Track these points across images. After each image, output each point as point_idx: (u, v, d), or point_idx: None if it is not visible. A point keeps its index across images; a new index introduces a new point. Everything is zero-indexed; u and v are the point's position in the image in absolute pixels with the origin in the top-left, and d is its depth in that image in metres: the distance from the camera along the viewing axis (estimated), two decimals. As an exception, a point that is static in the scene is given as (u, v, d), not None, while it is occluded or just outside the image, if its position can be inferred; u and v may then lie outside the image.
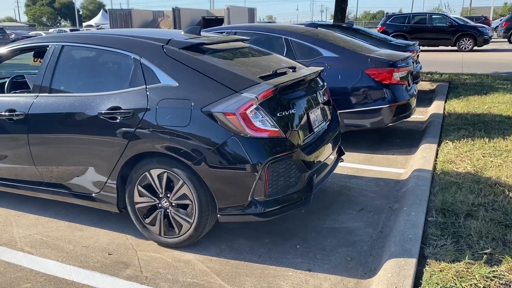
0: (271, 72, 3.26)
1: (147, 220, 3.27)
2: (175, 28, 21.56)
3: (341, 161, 4.11)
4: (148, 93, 3.13)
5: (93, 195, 3.41)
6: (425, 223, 3.29)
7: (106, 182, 3.31)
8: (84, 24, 60.63)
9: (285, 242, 3.32)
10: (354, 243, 3.30)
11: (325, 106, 3.86)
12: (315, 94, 3.56)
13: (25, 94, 3.65)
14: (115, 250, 3.24)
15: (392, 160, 5.21)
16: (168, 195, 3.16)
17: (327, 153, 3.62)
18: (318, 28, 6.49)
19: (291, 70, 3.49)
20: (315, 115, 3.54)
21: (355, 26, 9.43)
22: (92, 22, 54.11)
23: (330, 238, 3.38)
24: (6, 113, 3.60)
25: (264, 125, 2.96)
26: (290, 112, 3.12)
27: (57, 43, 3.59)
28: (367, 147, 5.71)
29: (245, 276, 2.90)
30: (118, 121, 3.16)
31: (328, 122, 3.89)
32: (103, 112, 3.20)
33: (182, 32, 3.74)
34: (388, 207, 3.90)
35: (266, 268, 3.00)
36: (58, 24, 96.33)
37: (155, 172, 3.14)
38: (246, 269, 2.99)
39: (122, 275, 2.92)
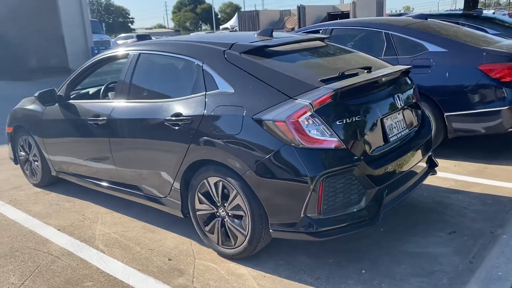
0: (338, 74, 2.93)
1: (207, 228, 3.21)
2: (299, 26, 21.55)
3: (432, 174, 3.56)
4: (206, 99, 3.05)
5: (161, 198, 3.47)
6: (526, 259, 2.65)
7: (171, 187, 3.33)
8: (220, 27, 64.53)
9: (350, 265, 2.97)
10: (432, 273, 2.80)
11: (411, 111, 3.37)
12: (395, 97, 3.11)
13: (109, 100, 3.88)
14: (176, 255, 3.25)
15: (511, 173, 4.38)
16: (225, 204, 3.05)
17: (409, 165, 3.15)
18: (428, 20, 5.77)
19: (365, 71, 3.10)
20: (394, 121, 3.10)
21: (486, 14, 8.25)
22: (227, 24, 57.30)
23: (404, 264, 2.93)
24: (93, 118, 3.86)
25: (320, 135, 2.66)
26: (355, 120, 2.76)
27: (135, 51, 3.73)
28: (483, 156, 4.90)
29: (294, 300, 2.65)
30: (179, 128, 3.15)
31: (415, 129, 3.38)
32: (167, 118, 3.22)
33: (256, 35, 3.59)
34: (489, 231, 3.25)
35: (320, 293, 2.70)
36: (199, 28, 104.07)
37: (212, 180, 3.06)
38: (298, 291, 2.73)
39: (173, 283, 2.90)
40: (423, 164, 3.44)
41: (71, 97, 4.41)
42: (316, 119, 2.66)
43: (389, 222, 3.50)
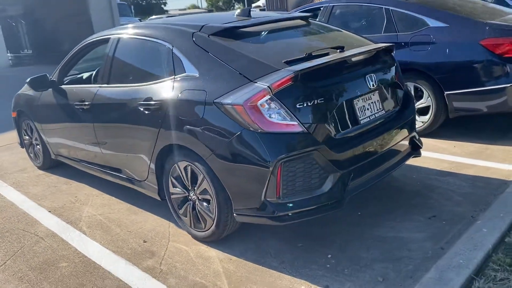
0: (305, 55, 2.83)
1: (180, 211, 3.24)
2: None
3: (415, 156, 3.43)
4: (174, 84, 3.04)
5: (141, 182, 3.52)
6: (496, 246, 2.52)
7: (148, 171, 3.37)
8: (253, 5, 63.92)
9: (319, 249, 2.93)
10: (399, 259, 2.72)
11: (390, 91, 3.24)
12: (369, 78, 2.98)
13: (93, 85, 3.92)
14: (152, 238, 3.30)
15: (513, 154, 4.16)
16: (195, 188, 3.06)
17: (384, 148, 3.05)
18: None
19: (337, 50, 2.98)
20: (366, 103, 3.00)
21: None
22: (260, 3, 56.61)
23: (373, 249, 2.86)
24: (79, 103, 3.93)
25: (280, 119, 2.60)
26: (318, 102, 2.68)
27: (116, 35, 3.74)
28: (486, 136, 4.68)
29: (253, 284, 2.65)
30: (150, 112, 3.16)
31: (395, 110, 3.26)
32: (140, 103, 3.23)
33: (235, 15, 3.52)
34: (470, 216, 3.12)
35: (281, 277, 2.69)
36: (232, 7, 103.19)
37: (182, 165, 3.07)
38: (260, 275, 2.72)
39: (142, 265, 2.96)
40: (404, 146, 3.31)
41: (66, 82, 4.50)
42: (276, 103, 2.59)
43: (369, 206, 3.43)
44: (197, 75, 2.92)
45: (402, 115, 3.28)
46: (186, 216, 3.20)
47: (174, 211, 3.30)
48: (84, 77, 4.73)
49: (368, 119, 2.98)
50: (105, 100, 3.65)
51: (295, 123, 2.61)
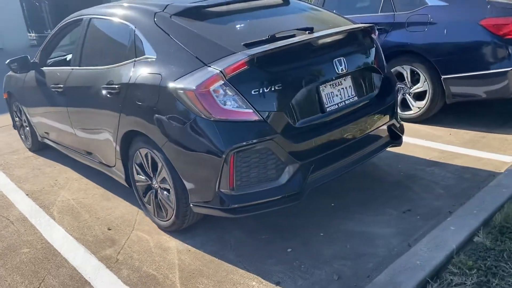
0: (267, 37, 2.65)
1: (145, 199, 3.15)
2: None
3: (394, 146, 3.22)
4: (134, 67, 2.91)
5: (111, 167, 3.44)
6: (462, 246, 2.33)
7: (115, 157, 3.28)
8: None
9: (281, 243, 2.79)
10: (361, 257, 2.56)
11: (366, 76, 3.02)
12: (339, 62, 2.77)
13: (66, 68, 3.83)
14: (117, 225, 3.23)
15: (509, 143, 3.89)
16: (156, 176, 2.95)
17: (355, 137, 2.86)
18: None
19: (306, 31, 2.78)
20: (335, 89, 2.80)
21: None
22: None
23: (337, 244, 2.71)
24: (54, 85, 3.85)
25: (234, 106, 2.44)
26: (277, 89, 2.50)
27: (88, 16, 3.62)
28: (485, 123, 4.39)
29: (204, 278, 2.54)
30: (112, 96, 3.05)
31: (372, 96, 3.04)
32: (104, 86, 3.13)
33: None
34: (448, 211, 2.91)
35: (235, 271, 2.57)
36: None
37: (143, 152, 2.96)
38: (214, 269, 2.62)
39: (100, 254, 2.89)
40: (382, 135, 3.11)
41: (50, 63, 4.43)
42: (230, 89, 2.43)
43: (345, 197, 3.26)
44: (155, 58, 2.78)
45: (379, 102, 3.06)
46: (150, 205, 3.11)
47: (139, 198, 3.22)
48: (68, 59, 4.65)
49: (336, 107, 2.78)
50: (76, 83, 3.56)
51: (250, 110, 2.45)
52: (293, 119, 2.56)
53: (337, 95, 2.80)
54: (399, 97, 4.68)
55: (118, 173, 3.34)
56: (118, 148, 3.17)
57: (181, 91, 2.51)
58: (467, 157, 3.71)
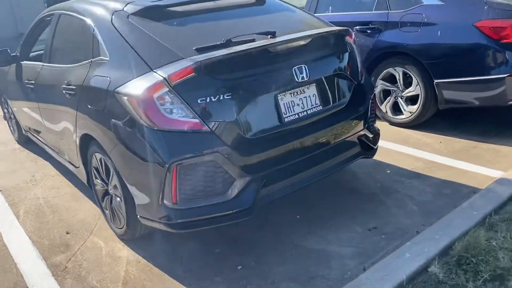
0: (223, 41, 2.48)
1: (103, 204, 3.05)
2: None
3: (365, 157, 3.03)
4: (89, 68, 2.80)
5: (76, 167, 3.35)
6: (413, 277, 2.14)
7: (77, 158, 3.19)
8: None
9: (233, 258, 2.66)
10: (312, 279, 2.41)
11: (336, 83, 2.83)
12: (301, 69, 2.58)
13: (38, 63, 3.74)
14: (76, 229, 3.15)
15: (502, 155, 3.63)
16: (110, 182, 2.85)
17: (317, 149, 2.68)
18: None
19: (268, 36, 2.60)
20: (297, 98, 2.62)
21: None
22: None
23: (290, 263, 2.56)
24: (28, 81, 3.78)
25: (178, 115, 2.30)
26: (226, 97, 2.35)
27: (58, 11, 3.52)
28: (480, 131, 4.13)
29: (145, 294, 2.43)
30: (70, 97, 2.95)
31: (341, 105, 2.85)
32: (63, 86, 3.04)
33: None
34: (415, 231, 2.72)
35: (177, 288, 2.45)
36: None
37: (98, 156, 2.86)
38: (158, 285, 2.50)
39: (50, 260, 2.82)
40: (351, 146, 2.92)
41: (31, 56, 4.36)
42: (174, 97, 2.29)
43: (312, 208, 3.09)
44: (108, 59, 2.66)
45: (349, 111, 2.86)
46: (107, 210, 3.01)
47: (98, 203, 3.13)
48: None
49: (297, 116, 2.60)
50: (44, 80, 3.48)
51: (196, 120, 2.30)
52: (244, 130, 2.40)
53: (298, 104, 2.62)
54: (391, 101, 4.46)
55: (82, 175, 3.25)
56: (78, 150, 3.08)
57: (125, 98, 2.38)
58: (452, 169, 3.48)
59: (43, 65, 3.58)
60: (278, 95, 2.53)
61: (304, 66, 2.58)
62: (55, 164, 4.34)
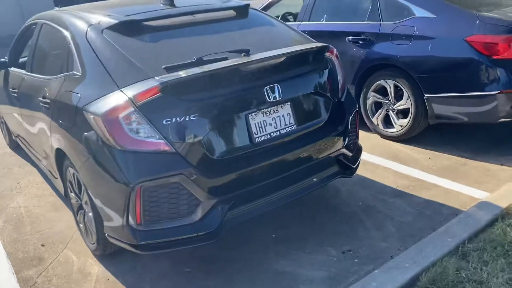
0: (193, 59, 2.44)
1: (78, 217, 3.03)
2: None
3: (344, 177, 2.96)
4: (63, 83, 2.77)
5: (56, 178, 3.33)
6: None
7: (55, 169, 3.17)
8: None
9: (202, 279, 2.62)
10: (277, 305, 2.35)
11: (312, 102, 2.77)
12: (272, 89, 2.52)
13: (21, 72, 3.73)
14: (52, 242, 3.14)
15: (490, 174, 3.54)
16: (82, 197, 2.83)
17: (290, 169, 2.63)
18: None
19: (242, 54, 2.54)
20: (270, 117, 2.57)
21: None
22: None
23: (258, 287, 2.50)
24: (12, 88, 3.78)
25: (143, 136, 2.26)
26: (193, 118, 2.30)
27: (40, 20, 3.50)
28: (471, 148, 4.02)
29: (109, 315, 2.40)
30: (45, 110, 2.93)
31: (317, 124, 2.79)
32: (39, 98, 3.02)
33: (161, 2, 3.13)
34: (390, 256, 2.65)
35: (142, 310, 2.42)
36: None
37: (71, 171, 2.83)
38: (123, 304, 2.47)
39: (21, 274, 2.80)
40: (328, 165, 2.85)
41: (20, 62, 4.36)
42: (140, 117, 2.25)
43: (289, 227, 3.04)
44: (79, 75, 2.63)
45: (327, 129, 2.80)
46: (81, 224, 2.99)
47: (74, 216, 3.10)
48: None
49: (269, 136, 2.55)
50: (26, 89, 3.47)
51: (162, 141, 2.26)
52: (211, 151, 2.36)
53: (270, 124, 2.56)
54: (382, 113, 4.37)
55: (60, 186, 3.24)
56: (54, 163, 3.06)
57: (92, 116, 2.35)
58: (437, 188, 3.40)
59: (26, 74, 3.57)
60: (249, 114, 2.48)
61: (277, 86, 2.52)
62: (41, 171, 4.32)
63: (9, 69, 4.17)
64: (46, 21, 3.36)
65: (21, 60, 4.35)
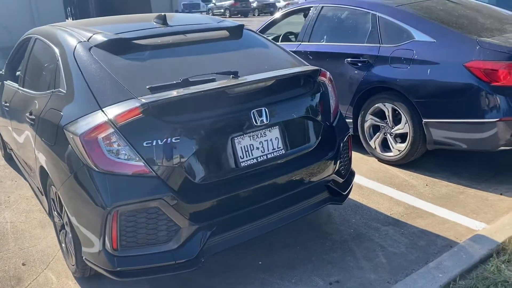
0: (179, 80, 2.38)
1: (60, 237, 2.95)
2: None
3: (334, 203, 2.87)
4: (49, 100, 2.73)
5: (42, 194, 3.27)
6: None
7: (40, 187, 3.11)
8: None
9: (182, 306, 2.52)
10: None
11: (302, 125, 2.70)
12: (260, 112, 2.45)
13: (14, 86, 3.71)
14: (33, 261, 3.06)
15: (488, 205, 3.42)
16: (63, 218, 2.75)
17: (276, 195, 2.55)
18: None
19: (230, 76, 2.49)
20: (258, 141, 2.49)
21: None
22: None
23: (239, 318, 2.40)
24: (5, 102, 3.75)
25: (122, 158, 2.20)
26: (174, 141, 2.24)
27: (34, 36, 3.48)
28: (470, 175, 3.92)
29: None
30: (31, 127, 2.88)
31: (307, 148, 2.71)
32: (26, 114, 2.97)
33: (154, 21, 3.09)
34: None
35: (117, 339, 2.32)
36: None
37: (53, 190, 2.77)
38: (98, 332, 2.38)
39: (-2, 295, 2.73)
40: (317, 192, 2.77)
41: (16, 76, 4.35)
42: (120, 139, 2.19)
43: (276, 254, 2.94)
44: (64, 92, 2.58)
45: (316, 155, 2.72)
46: (63, 244, 2.91)
47: (57, 235, 3.03)
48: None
49: (255, 161, 2.47)
50: (16, 103, 3.44)
51: (141, 163, 2.19)
52: (193, 175, 2.28)
53: (257, 148, 2.49)
54: (380, 137, 4.28)
55: (45, 203, 3.18)
56: (39, 180, 3.00)
57: (71, 136, 2.29)
58: (433, 217, 3.29)
59: (18, 88, 3.54)
60: (235, 138, 2.41)
61: (265, 109, 2.46)
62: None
63: (4, 82, 4.14)
64: (39, 36, 3.34)
65: (17, 73, 4.34)
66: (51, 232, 3.42)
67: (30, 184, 4.02)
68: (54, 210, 2.90)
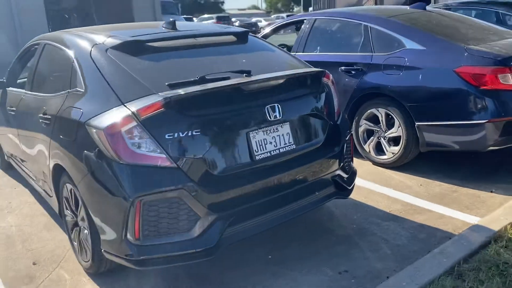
0: (196, 78, 2.51)
1: (72, 235, 3.00)
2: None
3: (339, 198, 3.01)
4: (65, 99, 2.81)
5: (50, 196, 3.31)
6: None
7: (51, 187, 3.16)
8: (310, 9, 62.46)
9: (197, 297, 2.59)
10: (275, 324, 2.34)
11: (311, 123, 2.85)
12: (274, 108, 2.59)
13: (21, 91, 3.77)
14: (44, 260, 3.09)
15: (480, 201, 3.61)
16: (78, 214, 2.81)
17: (288, 188, 2.67)
18: (427, 9, 4.95)
19: (243, 74, 2.63)
20: (270, 136, 2.62)
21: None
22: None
23: (254, 306, 2.49)
24: (10, 107, 3.80)
25: (145, 150, 2.29)
26: (195, 134, 2.35)
27: (43, 41, 3.56)
28: (461, 175, 4.11)
29: (103, 333, 2.35)
30: (45, 126, 2.96)
31: (316, 144, 2.85)
32: (40, 115, 3.04)
33: (163, 26, 3.23)
34: (386, 276, 2.67)
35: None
36: (291, 9, 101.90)
37: (68, 187, 2.83)
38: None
39: (12, 292, 2.75)
40: (325, 186, 2.90)
41: (19, 83, 4.39)
42: (143, 132, 2.29)
43: (285, 248, 3.05)
44: (83, 91, 2.68)
45: (323, 151, 2.86)
46: (75, 242, 2.96)
47: (68, 234, 3.07)
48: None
49: (268, 154, 2.60)
50: (25, 108, 3.50)
51: (163, 155, 2.29)
52: (212, 167, 2.39)
53: (271, 142, 2.62)
54: (374, 140, 4.46)
55: (54, 204, 3.22)
56: (51, 179, 3.05)
57: (94, 130, 2.38)
58: (430, 213, 3.45)
59: (25, 93, 3.60)
60: (250, 132, 2.54)
61: (277, 105, 2.60)
62: (34, 191, 4.29)
63: (6, 89, 4.19)
64: (48, 41, 3.43)
65: (19, 81, 4.40)
66: (58, 234, 3.46)
67: (35, 189, 4.03)
68: (67, 209, 2.95)
